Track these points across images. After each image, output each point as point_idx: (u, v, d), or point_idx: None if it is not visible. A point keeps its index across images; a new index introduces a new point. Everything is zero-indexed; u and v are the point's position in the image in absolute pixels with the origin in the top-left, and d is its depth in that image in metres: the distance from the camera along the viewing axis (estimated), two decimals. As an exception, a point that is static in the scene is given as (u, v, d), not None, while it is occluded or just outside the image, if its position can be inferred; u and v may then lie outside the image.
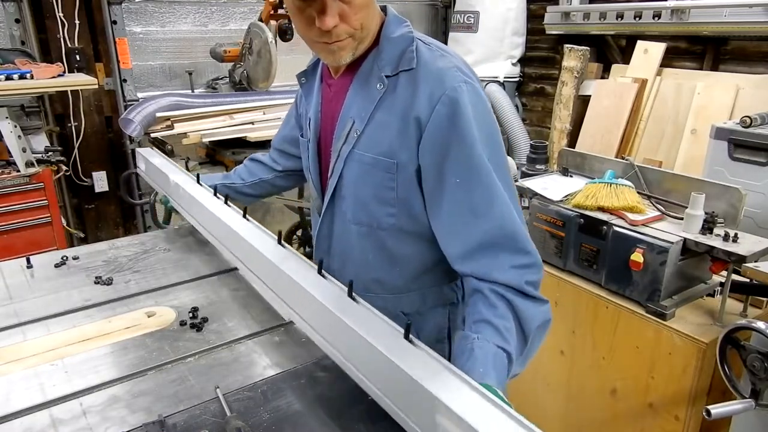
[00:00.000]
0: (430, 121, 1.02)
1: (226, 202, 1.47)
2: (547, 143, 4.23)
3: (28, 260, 1.57)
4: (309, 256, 2.21)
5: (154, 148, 1.94)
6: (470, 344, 0.96)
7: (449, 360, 0.86)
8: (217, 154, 3.25)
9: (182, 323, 1.24)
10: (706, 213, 1.79)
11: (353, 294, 1.00)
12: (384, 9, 1.14)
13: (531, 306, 1.03)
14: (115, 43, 3.48)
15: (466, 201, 1.03)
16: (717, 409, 1.51)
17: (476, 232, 1.03)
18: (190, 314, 1.28)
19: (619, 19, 3.83)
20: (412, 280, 1.19)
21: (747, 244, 1.70)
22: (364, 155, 1.10)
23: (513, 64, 4.72)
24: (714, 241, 1.73)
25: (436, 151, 1.03)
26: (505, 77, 4.65)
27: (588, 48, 4.00)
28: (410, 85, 1.06)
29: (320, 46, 1.06)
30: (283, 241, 1.21)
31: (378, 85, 1.08)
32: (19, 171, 2.72)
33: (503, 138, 4.77)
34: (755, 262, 1.64)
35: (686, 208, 1.81)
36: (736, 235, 1.72)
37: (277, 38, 3.39)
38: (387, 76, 1.08)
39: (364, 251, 1.18)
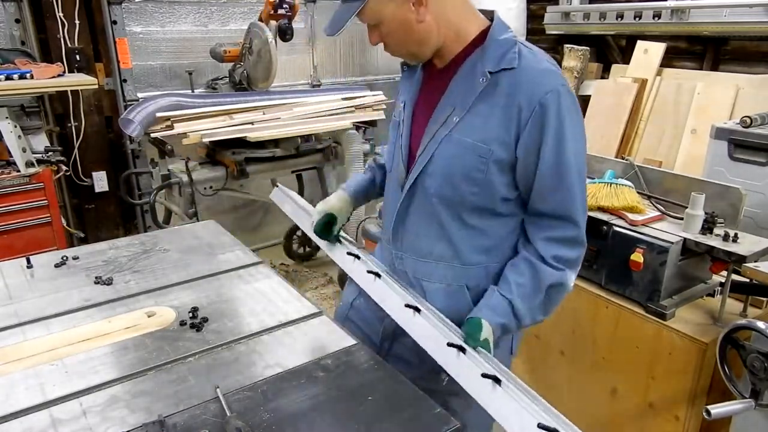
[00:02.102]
0: (531, 117, 1.17)
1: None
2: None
3: (28, 260, 1.57)
4: (308, 256, 2.19)
5: (279, 186, 1.94)
6: (487, 294, 1.26)
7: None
8: (217, 154, 3.25)
9: (182, 323, 1.24)
10: (706, 213, 1.79)
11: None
12: (490, 14, 1.31)
13: (549, 270, 1.23)
14: (115, 43, 3.47)
15: (548, 183, 1.21)
16: (717, 409, 1.51)
17: (543, 206, 1.25)
18: (190, 314, 1.28)
19: (619, 19, 3.83)
20: (479, 254, 1.31)
21: (747, 244, 1.70)
22: (462, 139, 1.23)
23: (513, 64, 4.72)
24: (714, 241, 1.73)
25: (534, 141, 1.19)
26: (505, 77, 4.65)
27: (588, 48, 4.00)
28: (512, 82, 1.19)
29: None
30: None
31: (481, 79, 1.21)
32: (19, 171, 2.71)
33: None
34: (755, 262, 1.64)
35: (686, 208, 1.81)
36: (736, 235, 1.72)
37: (277, 38, 3.39)
38: (490, 72, 1.20)
39: (441, 224, 1.30)
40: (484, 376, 1.02)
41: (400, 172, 1.37)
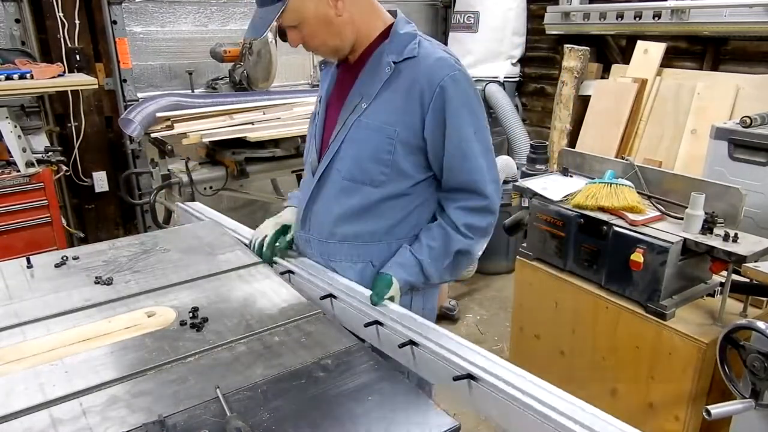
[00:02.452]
0: (432, 101, 1.30)
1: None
2: (547, 143, 4.24)
3: (29, 260, 1.57)
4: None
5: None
6: (400, 251, 1.42)
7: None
8: (217, 154, 3.25)
9: (182, 323, 1.24)
10: (706, 213, 1.79)
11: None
12: (394, 13, 1.43)
13: (459, 237, 1.39)
14: (115, 43, 3.47)
15: (456, 158, 1.35)
16: (717, 409, 1.51)
17: (453, 181, 1.39)
18: (190, 314, 1.28)
19: (619, 19, 3.83)
20: (384, 233, 1.43)
21: (747, 244, 1.70)
22: (370, 123, 1.35)
23: (513, 64, 4.72)
24: (714, 241, 1.73)
25: (438, 122, 1.32)
26: (505, 77, 4.65)
27: (588, 48, 4.00)
28: (413, 70, 1.32)
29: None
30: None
31: (386, 69, 1.34)
32: (19, 171, 2.71)
33: (503, 138, 4.79)
34: (755, 262, 1.64)
35: (686, 208, 1.81)
36: (736, 235, 1.72)
37: (277, 38, 3.39)
38: (394, 62, 1.33)
39: (349, 205, 1.41)
40: (401, 345, 1.16)
41: (313, 159, 1.48)
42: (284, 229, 1.61)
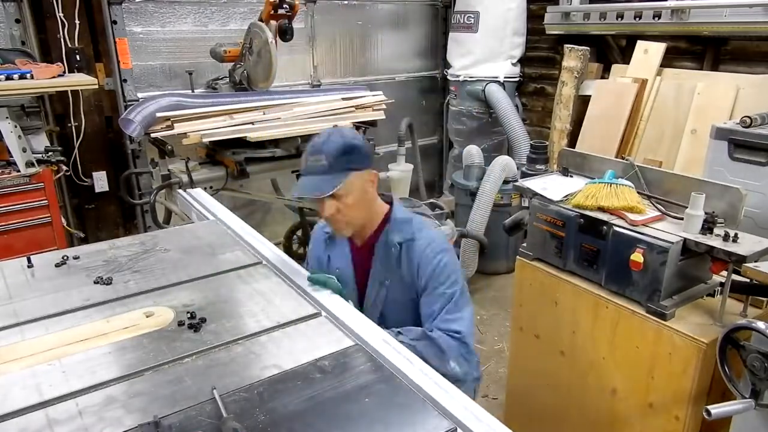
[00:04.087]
0: (422, 268, 1.66)
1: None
2: (547, 143, 4.23)
3: (29, 260, 1.57)
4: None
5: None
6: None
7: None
8: (217, 154, 3.25)
9: (180, 324, 1.24)
10: (706, 213, 1.78)
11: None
12: (390, 200, 1.75)
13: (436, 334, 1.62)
14: (115, 43, 3.47)
15: (437, 306, 1.66)
16: (717, 409, 1.51)
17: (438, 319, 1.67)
18: (188, 315, 1.28)
19: (619, 19, 3.82)
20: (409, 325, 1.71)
21: (747, 244, 1.69)
22: (397, 299, 1.71)
23: (513, 64, 4.71)
24: (714, 241, 1.72)
25: (427, 283, 1.67)
26: (505, 77, 4.65)
27: (588, 48, 4.00)
28: (412, 249, 1.67)
29: (329, 222, 1.65)
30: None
31: (393, 250, 1.67)
32: (19, 171, 2.72)
33: (503, 138, 4.79)
34: (755, 262, 1.64)
35: (686, 208, 1.80)
36: (736, 235, 1.71)
37: (277, 38, 3.39)
38: (399, 243, 1.67)
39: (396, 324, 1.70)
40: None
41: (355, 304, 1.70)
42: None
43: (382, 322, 1.66)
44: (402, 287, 1.69)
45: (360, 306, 1.74)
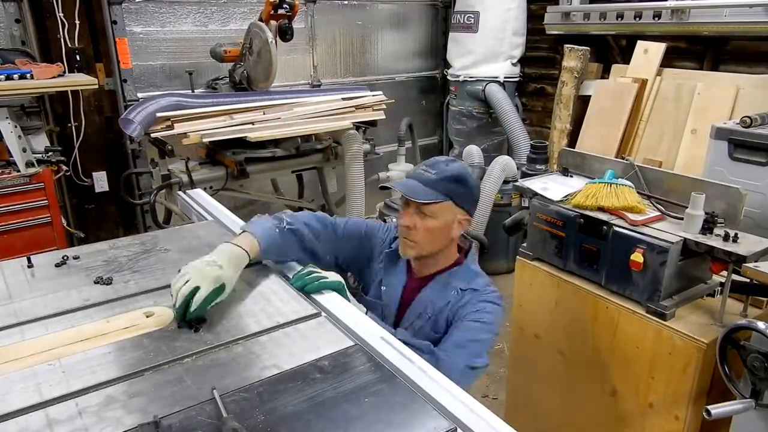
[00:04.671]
0: (464, 308, 1.62)
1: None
2: (547, 143, 4.23)
3: (29, 260, 1.56)
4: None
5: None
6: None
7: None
8: (217, 154, 3.25)
9: (180, 324, 1.24)
10: (706, 213, 1.78)
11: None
12: (468, 249, 1.75)
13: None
14: (115, 43, 3.48)
15: (458, 335, 1.60)
16: (717, 409, 1.51)
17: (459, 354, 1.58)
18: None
19: (619, 19, 3.83)
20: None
21: (747, 244, 1.69)
22: (431, 335, 1.62)
23: (513, 64, 4.71)
24: (714, 241, 1.72)
25: (460, 316, 1.62)
26: (505, 77, 4.65)
27: (588, 48, 4.00)
28: (465, 297, 1.63)
29: (401, 235, 1.63)
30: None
31: (453, 292, 1.64)
32: (19, 171, 2.72)
33: (503, 138, 4.79)
34: (755, 262, 1.64)
35: (686, 208, 1.80)
36: (736, 235, 1.71)
37: (277, 38, 3.39)
38: (461, 289, 1.64)
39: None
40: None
41: (387, 311, 1.73)
42: (221, 289, 1.27)
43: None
44: (436, 326, 1.64)
45: (395, 323, 1.71)
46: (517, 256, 2.33)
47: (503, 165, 3.86)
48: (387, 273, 1.76)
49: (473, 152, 4.14)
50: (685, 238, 1.77)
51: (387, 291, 1.74)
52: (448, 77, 4.96)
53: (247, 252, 1.42)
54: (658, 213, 1.94)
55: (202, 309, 1.23)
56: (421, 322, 1.65)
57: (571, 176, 2.32)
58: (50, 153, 2.85)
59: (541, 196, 2.14)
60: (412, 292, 1.71)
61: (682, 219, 1.83)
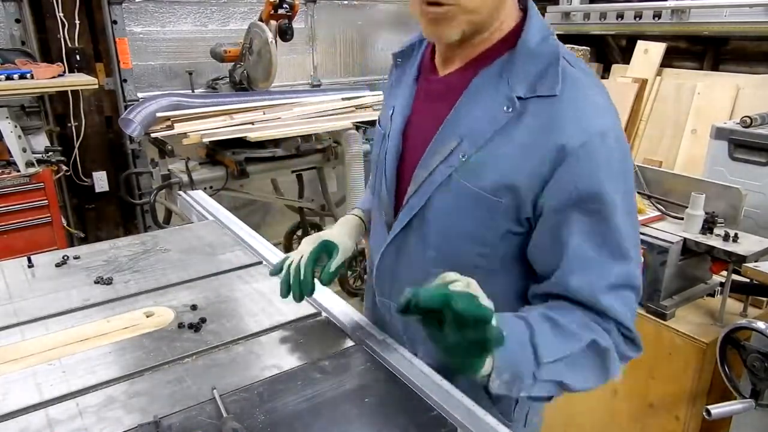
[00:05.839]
0: (564, 167, 0.87)
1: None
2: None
3: (29, 260, 1.56)
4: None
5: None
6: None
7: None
8: (217, 154, 3.24)
9: (180, 324, 1.24)
10: (706, 213, 1.78)
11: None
12: (525, 6, 0.97)
13: (597, 326, 0.91)
14: (115, 43, 3.47)
15: (596, 253, 0.91)
16: (717, 409, 1.51)
17: (601, 283, 0.91)
18: (189, 314, 1.28)
19: (620, 19, 3.82)
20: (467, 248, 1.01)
21: (747, 244, 1.70)
22: (468, 187, 0.94)
23: (513, 64, 4.70)
24: (714, 241, 1.72)
25: (568, 194, 0.88)
26: (505, 77, 4.63)
27: (588, 48, 3.99)
28: (548, 115, 0.88)
29: (423, 12, 0.90)
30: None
31: (505, 107, 0.90)
32: (19, 171, 2.71)
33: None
34: (755, 262, 1.64)
35: (686, 208, 1.80)
36: (736, 235, 1.72)
37: (277, 38, 3.39)
38: (519, 98, 0.89)
39: (443, 239, 1.02)
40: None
41: (385, 207, 1.10)
42: (326, 247, 1.12)
43: (414, 228, 1.03)
44: (488, 181, 0.92)
45: (396, 189, 1.08)
46: (517, 256, 2.33)
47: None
48: (395, 94, 1.12)
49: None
50: (685, 238, 1.77)
51: (393, 117, 1.09)
52: (448, 77, 4.94)
53: (356, 216, 1.25)
54: (658, 213, 1.94)
55: (309, 273, 1.07)
56: (458, 171, 0.94)
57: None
58: (50, 153, 2.85)
59: (541, 196, 2.14)
60: (435, 102, 1.01)
61: (682, 219, 1.83)
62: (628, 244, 0.92)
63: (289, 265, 1.10)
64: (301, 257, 1.10)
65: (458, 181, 0.95)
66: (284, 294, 1.10)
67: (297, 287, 1.08)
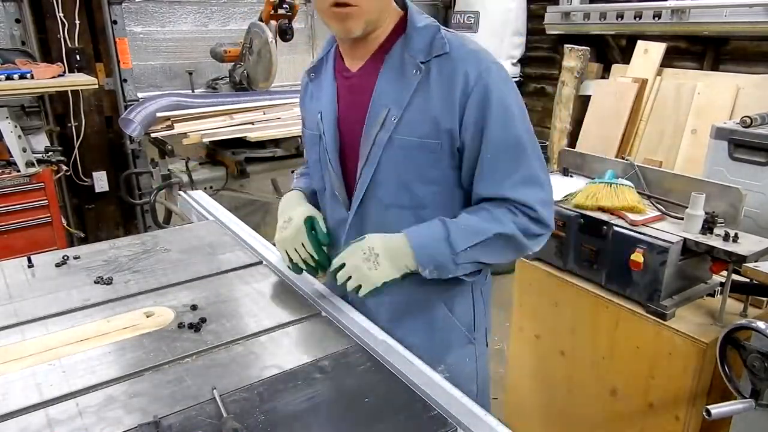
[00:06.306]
0: (470, 98, 1.12)
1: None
2: (547, 143, 4.23)
3: (29, 260, 1.56)
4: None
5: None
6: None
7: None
8: (217, 154, 3.25)
9: (180, 324, 1.24)
10: (706, 213, 1.78)
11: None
12: (404, 4, 1.22)
13: (506, 217, 1.17)
14: (115, 43, 3.48)
15: (503, 165, 1.16)
16: (717, 409, 1.51)
17: (507, 182, 1.17)
18: (189, 315, 1.28)
19: (619, 19, 3.82)
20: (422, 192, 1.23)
21: (747, 244, 1.69)
22: (406, 139, 1.15)
23: (513, 64, 4.71)
24: (714, 241, 1.72)
25: (477, 123, 1.13)
26: (505, 77, 4.64)
27: (588, 48, 4.00)
28: (445, 68, 1.14)
29: (331, 13, 1.10)
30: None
31: (413, 71, 1.14)
32: (19, 171, 2.72)
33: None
34: (755, 262, 1.64)
35: (686, 208, 1.80)
36: (736, 235, 1.71)
37: (277, 38, 3.39)
38: (422, 62, 1.14)
39: (395, 191, 1.22)
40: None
41: (339, 192, 1.27)
42: (310, 222, 1.33)
43: (371, 193, 1.21)
44: (418, 132, 1.14)
45: (343, 173, 1.26)
46: (517, 256, 2.33)
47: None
48: (316, 97, 1.31)
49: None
50: (685, 238, 1.77)
51: (323, 115, 1.26)
52: (448, 77, 4.95)
53: (298, 189, 1.45)
54: (658, 213, 1.94)
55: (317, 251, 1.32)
56: (395, 132, 1.15)
57: (571, 176, 2.32)
58: (50, 153, 2.86)
59: (541, 196, 2.14)
60: (356, 101, 1.21)
61: (682, 219, 1.82)
62: (530, 152, 1.17)
63: (302, 259, 1.33)
64: (302, 245, 1.32)
65: (399, 138, 1.15)
66: (300, 272, 1.37)
67: (314, 271, 1.35)
